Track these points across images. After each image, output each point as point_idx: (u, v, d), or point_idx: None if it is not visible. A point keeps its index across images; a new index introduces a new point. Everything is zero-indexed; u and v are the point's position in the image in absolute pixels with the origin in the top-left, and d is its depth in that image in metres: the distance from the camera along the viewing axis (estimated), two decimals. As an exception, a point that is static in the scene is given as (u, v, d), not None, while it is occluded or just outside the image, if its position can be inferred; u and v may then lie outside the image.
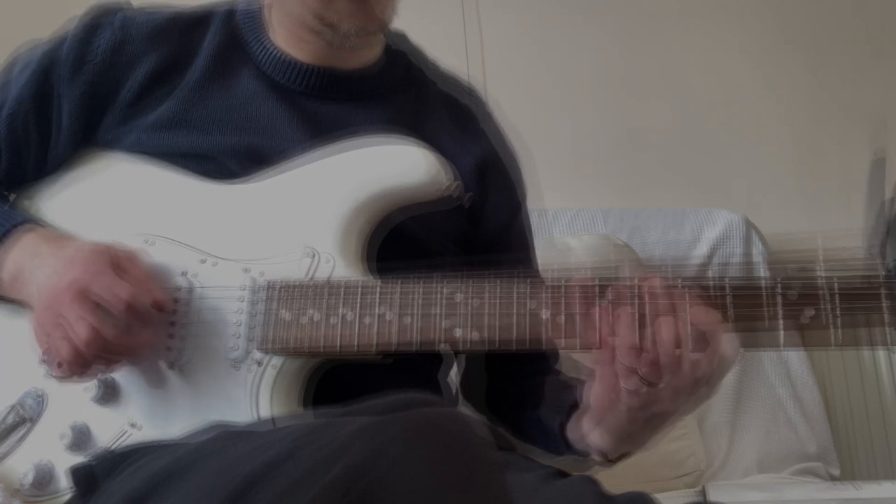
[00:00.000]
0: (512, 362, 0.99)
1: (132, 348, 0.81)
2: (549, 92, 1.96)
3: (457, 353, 1.03)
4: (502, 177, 1.02)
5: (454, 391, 1.05)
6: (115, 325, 0.78)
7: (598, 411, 0.80)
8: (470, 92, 1.07)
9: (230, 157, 0.91)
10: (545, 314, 0.77)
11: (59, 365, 0.79)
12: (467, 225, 0.98)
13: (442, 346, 0.79)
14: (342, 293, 0.81)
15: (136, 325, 0.79)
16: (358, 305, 0.80)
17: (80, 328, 0.77)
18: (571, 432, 0.86)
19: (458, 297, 0.79)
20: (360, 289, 0.81)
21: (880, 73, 1.92)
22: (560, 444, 0.89)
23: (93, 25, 0.95)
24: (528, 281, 0.78)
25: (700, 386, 0.74)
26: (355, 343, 0.80)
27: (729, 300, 0.74)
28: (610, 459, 0.85)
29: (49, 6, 1.28)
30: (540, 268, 1.06)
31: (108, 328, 0.78)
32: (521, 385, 0.99)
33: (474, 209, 0.98)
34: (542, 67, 1.98)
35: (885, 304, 0.71)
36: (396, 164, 0.87)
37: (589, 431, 0.83)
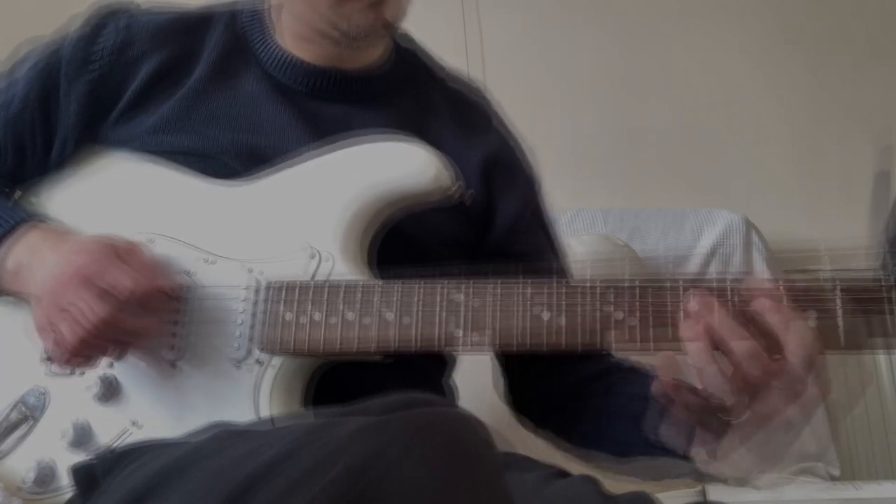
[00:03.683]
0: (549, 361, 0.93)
1: (137, 334, 0.81)
2: (549, 92, 1.96)
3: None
4: (511, 175, 1.01)
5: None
6: (122, 311, 0.79)
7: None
8: (477, 92, 1.06)
9: (232, 158, 0.91)
10: (546, 315, 0.77)
11: (64, 352, 0.79)
12: (469, 225, 0.98)
13: (444, 347, 0.79)
14: (342, 293, 0.81)
15: (141, 312, 0.80)
16: (358, 305, 0.80)
17: (88, 313, 0.78)
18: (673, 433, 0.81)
19: (459, 297, 0.78)
20: (360, 289, 0.81)
21: (880, 73, 1.92)
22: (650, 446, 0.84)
23: (98, 25, 0.95)
24: (531, 282, 0.78)
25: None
26: (355, 343, 0.80)
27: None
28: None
29: (49, 6, 1.28)
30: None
31: (115, 313, 0.78)
32: (568, 386, 0.95)
33: (480, 209, 0.98)
34: (542, 67, 1.98)
35: (888, 307, 0.71)
36: (400, 166, 0.86)
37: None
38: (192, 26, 0.98)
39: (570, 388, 0.95)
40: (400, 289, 0.80)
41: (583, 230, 1.74)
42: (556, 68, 1.97)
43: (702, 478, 0.81)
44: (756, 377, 0.70)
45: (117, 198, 0.93)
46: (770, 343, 0.70)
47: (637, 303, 0.75)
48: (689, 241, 1.72)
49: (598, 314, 0.75)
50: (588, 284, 0.77)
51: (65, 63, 0.94)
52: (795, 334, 0.70)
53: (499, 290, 0.78)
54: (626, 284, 0.75)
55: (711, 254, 1.70)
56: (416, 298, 0.79)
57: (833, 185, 1.86)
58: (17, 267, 0.86)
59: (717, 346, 0.71)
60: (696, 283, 0.75)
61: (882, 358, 1.78)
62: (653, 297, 0.75)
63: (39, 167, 0.96)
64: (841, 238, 0.72)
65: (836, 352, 0.71)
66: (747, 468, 0.76)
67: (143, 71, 0.94)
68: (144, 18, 0.96)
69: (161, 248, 0.87)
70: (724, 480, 0.80)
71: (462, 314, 0.78)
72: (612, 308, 0.75)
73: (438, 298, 0.79)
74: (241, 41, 0.98)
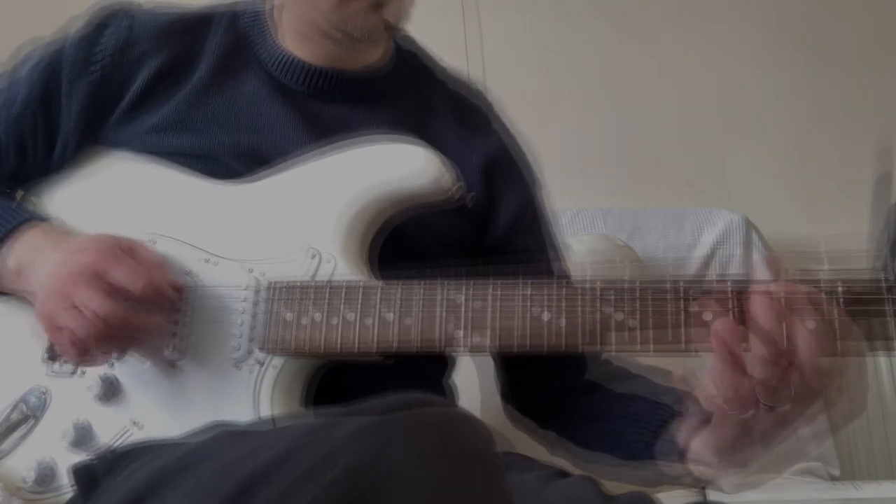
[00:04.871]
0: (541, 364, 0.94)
1: (144, 332, 0.81)
2: (549, 92, 1.96)
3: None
4: (512, 176, 1.01)
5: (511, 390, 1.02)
6: (129, 308, 0.79)
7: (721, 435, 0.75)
8: (478, 93, 1.06)
9: (233, 158, 0.91)
10: (546, 316, 0.77)
11: (72, 350, 0.79)
12: (470, 226, 0.98)
13: (444, 348, 0.79)
14: (343, 294, 0.81)
15: (147, 309, 0.80)
16: (359, 306, 0.80)
17: (96, 310, 0.78)
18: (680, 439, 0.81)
19: (460, 298, 0.78)
20: (361, 289, 0.81)
21: (880, 73, 1.92)
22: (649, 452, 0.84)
23: (100, 25, 0.96)
24: (531, 283, 0.78)
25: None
26: (356, 344, 0.80)
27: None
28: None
29: (49, 6, 1.28)
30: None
31: (123, 310, 0.78)
32: (574, 387, 0.95)
33: (480, 210, 0.98)
34: (542, 67, 1.98)
35: (889, 309, 0.70)
36: (401, 167, 0.86)
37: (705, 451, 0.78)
38: (194, 27, 0.98)
39: (577, 390, 0.95)
40: (400, 290, 0.80)
41: (583, 230, 1.74)
42: (556, 68, 1.97)
43: (702, 482, 0.81)
44: (764, 381, 0.69)
45: (118, 198, 0.93)
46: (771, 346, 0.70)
47: (637, 304, 0.75)
48: (689, 241, 1.72)
49: (598, 315, 0.75)
50: (588, 286, 0.76)
51: (66, 63, 0.94)
52: (793, 336, 0.69)
53: (499, 291, 0.78)
54: (627, 286, 0.75)
55: (711, 254, 1.70)
56: (416, 299, 0.79)
57: (833, 185, 1.86)
58: (18, 266, 0.86)
59: (729, 353, 0.70)
60: (696, 285, 0.75)
61: (882, 359, 1.78)
62: (653, 298, 0.75)
63: (41, 167, 0.96)
64: (841, 238, 0.72)
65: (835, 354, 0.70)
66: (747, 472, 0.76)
67: (145, 71, 0.94)
68: (146, 19, 0.97)
69: (162, 249, 0.87)
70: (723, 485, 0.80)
71: (462, 315, 0.78)
72: (612, 309, 0.75)
73: (439, 299, 0.79)
74: (242, 41, 0.98)
